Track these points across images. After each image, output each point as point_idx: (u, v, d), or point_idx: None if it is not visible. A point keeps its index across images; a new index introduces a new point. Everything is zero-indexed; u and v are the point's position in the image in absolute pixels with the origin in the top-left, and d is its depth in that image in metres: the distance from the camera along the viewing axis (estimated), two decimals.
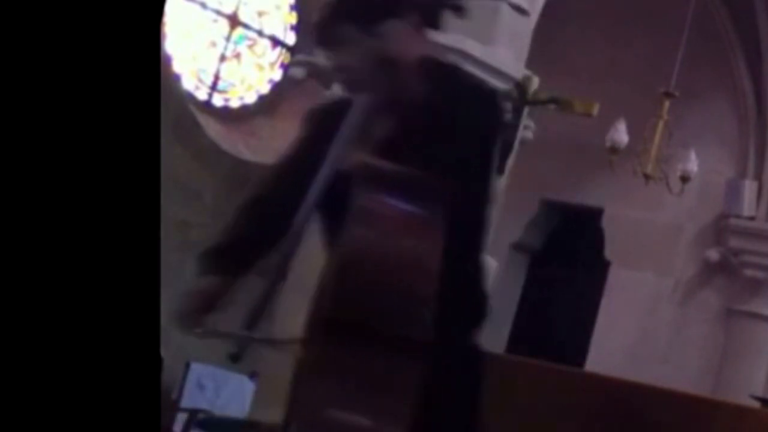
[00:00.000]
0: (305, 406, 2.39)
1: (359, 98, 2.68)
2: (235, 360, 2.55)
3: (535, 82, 7.68)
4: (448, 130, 2.63)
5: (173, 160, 9.24)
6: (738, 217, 10.43)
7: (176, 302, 2.89)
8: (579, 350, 10.59)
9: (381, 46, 2.66)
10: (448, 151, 2.61)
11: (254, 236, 2.91)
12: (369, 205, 2.49)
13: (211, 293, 2.85)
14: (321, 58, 7.34)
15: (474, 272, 2.80)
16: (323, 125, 2.81)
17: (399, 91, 2.69)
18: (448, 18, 2.83)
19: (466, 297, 2.74)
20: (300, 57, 7.94)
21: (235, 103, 11.16)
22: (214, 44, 11.00)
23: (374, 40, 2.69)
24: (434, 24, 2.79)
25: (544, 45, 8.46)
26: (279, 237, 2.78)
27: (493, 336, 10.72)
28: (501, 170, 7.68)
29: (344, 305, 2.38)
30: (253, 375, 8.58)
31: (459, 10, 2.79)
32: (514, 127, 7.61)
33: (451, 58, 7.12)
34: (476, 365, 2.79)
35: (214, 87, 11.02)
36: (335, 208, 2.52)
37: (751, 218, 10.44)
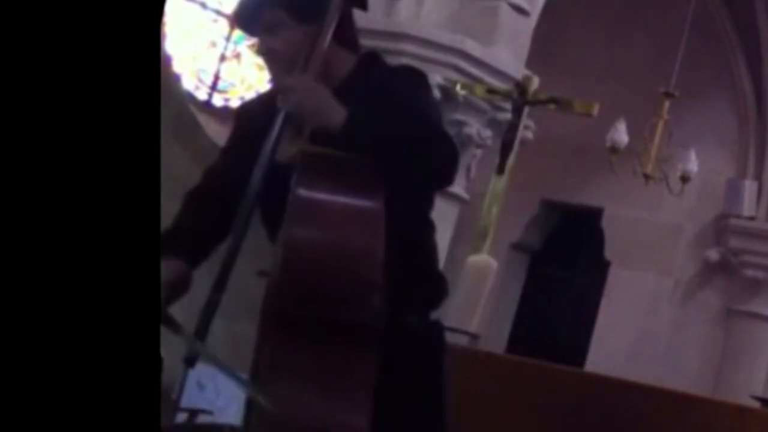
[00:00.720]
0: (262, 407, 2.36)
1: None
2: (190, 364, 2.56)
3: (535, 82, 7.68)
4: (381, 111, 2.56)
5: (173, 159, 9.24)
6: (738, 217, 10.43)
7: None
8: (579, 350, 10.59)
9: (291, 97, 2.57)
10: (382, 132, 2.54)
11: (203, 226, 2.88)
12: (309, 196, 2.43)
13: (173, 279, 2.77)
14: None
15: (424, 252, 2.78)
16: (253, 120, 2.79)
17: (329, 81, 2.65)
18: None
19: (418, 278, 2.72)
20: None
21: (235, 103, 11.16)
22: (214, 44, 10.99)
23: (304, 28, 2.65)
24: (362, 4, 2.75)
25: (544, 45, 8.47)
26: (225, 230, 2.77)
27: (493, 336, 10.74)
28: (501, 170, 7.69)
29: (291, 300, 2.34)
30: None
31: None
32: (514, 127, 7.62)
33: (451, 59, 7.15)
34: (435, 346, 2.76)
35: (214, 87, 11.02)
36: (276, 202, 2.48)
37: (751, 218, 10.44)
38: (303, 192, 2.43)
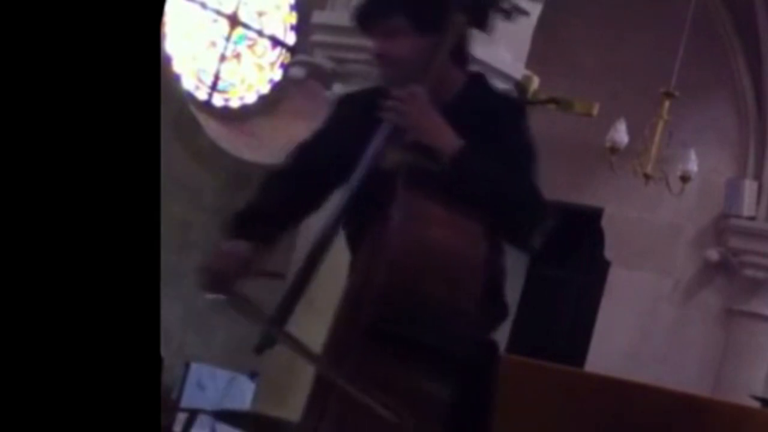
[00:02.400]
0: (333, 412, 2.37)
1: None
2: (259, 351, 2.53)
3: (535, 82, 7.67)
4: (487, 150, 2.60)
5: (173, 159, 9.24)
6: (738, 217, 10.42)
7: (205, 261, 2.76)
8: (579, 350, 10.59)
9: (411, 128, 2.60)
10: (484, 155, 2.59)
11: (280, 206, 2.86)
12: (419, 203, 2.44)
13: (242, 257, 2.73)
14: (321, 59, 7.34)
15: (498, 277, 2.80)
16: (355, 109, 2.81)
17: (437, 96, 2.65)
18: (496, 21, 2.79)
19: (489, 301, 2.72)
20: (300, 57, 7.93)
21: (235, 103, 11.16)
22: (214, 44, 11.00)
23: (423, 39, 2.65)
24: (482, 25, 2.74)
25: (544, 45, 8.46)
26: (304, 211, 2.82)
27: (493, 336, 10.71)
28: None
29: (386, 312, 2.35)
30: (253, 375, 8.58)
31: (509, 13, 2.75)
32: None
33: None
34: (492, 365, 2.80)
35: (214, 87, 11.02)
36: (364, 207, 2.51)
37: (751, 218, 10.43)
38: (411, 198, 2.43)
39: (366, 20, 2.79)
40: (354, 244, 2.68)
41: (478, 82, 2.82)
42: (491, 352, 2.80)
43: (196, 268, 2.77)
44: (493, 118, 2.71)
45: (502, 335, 11.07)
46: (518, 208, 2.64)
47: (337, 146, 2.74)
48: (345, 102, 3.00)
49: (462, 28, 2.69)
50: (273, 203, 2.85)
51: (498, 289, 2.80)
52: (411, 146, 2.61)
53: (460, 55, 2.75)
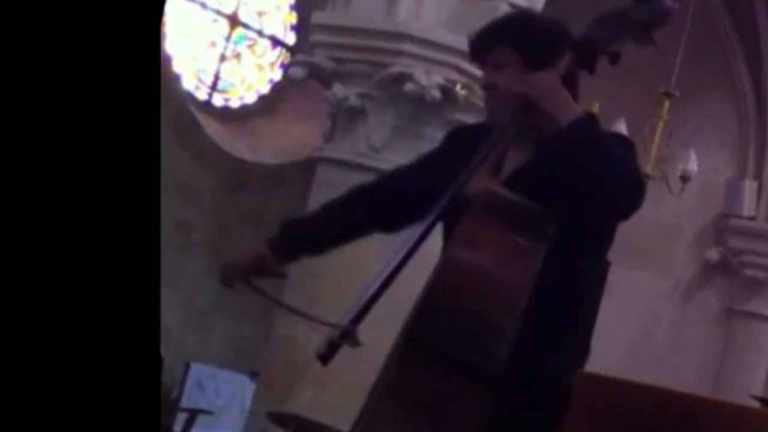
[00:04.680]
0: (367, 423, 2.38)
1: (499, 126, 2.67)
2: (324, 361, 2.51)
3: None
4: (585, 162, 2.59)
5: (173, 160, 9.24)
6: (738, 217, 10.42)
7: (232, 255, 2.94)
8: None
9: (530, 89, 2.63)
10: (575, 186, 2.59)
11: (337, 224, 2.93)
12: (474, 227, 2.47)
13: (267, 261, 2.87)
14: (321, 59, 7.34)
15: (583, 309, 2.82)
16: (460, 144, 2.82)
17: (538, 129, 2.66)
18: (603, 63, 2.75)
19: (560, 338, 2.74)
20: (300, 57, 7.93)
21: (235, 103, 11.17)
22: (214, 44, 11.00)
23: (527, 77, 2.67)
24: (590, 68, 2.75)
25: None
26: (377, 223, 2.89)
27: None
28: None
29: (422, 325, 2.37)
30: (253, 375, 8.58)
31: (616, 57, 2.77)
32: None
33: (451, 59, 7.14)
34: (562, 401, 2.77)
35: (214, 87, 11.03)
36: (449, 228, 2.55)
37: (751, 218, 10.44)
38: (469, 222, 2.47)
39: (478, 51, 2.84)
40: None
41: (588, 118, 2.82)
42: (563, 387, 2.77)
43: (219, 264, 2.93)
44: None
45: None
46: (625, 179, 2.62)
47: (432, 177, 2.75)
48: (454, 134, 3.02)
49: (570, 66, 2.71)
50: (325, 230, 2.94)
51: (584, 322, 2.81)
52: (501, 177, 2.65)
53: (570, 93, 2.74)
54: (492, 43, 2.80)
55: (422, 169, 2.93)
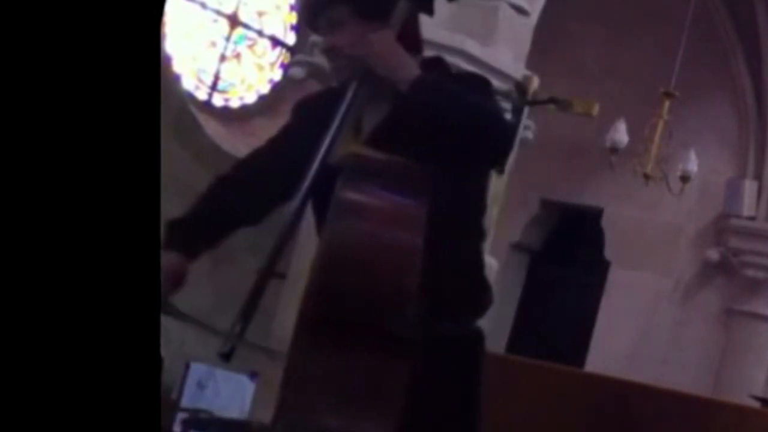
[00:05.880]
0: (290, 411, 2.34)
1: (349, 89, 2.62)
2: (225, 359, 2.52)
3: (535, 82, 7.67)
4: (438, 119, 2.56)
5: (173, 160, 9.24)
6: (738, 217, 10.42)
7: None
8: (579, 350, 10.59)
9: (367, 53, 2.59)
10: (438, 140, 2.55)
11: (218, 215, 2.84)
12: (352, 196, 2.41)
13: (173, 271, 2.71)
14: (321, 59, 7.34)
15: (466, 258, 2.74)
16: (310, 115, 2.78)
17: (386, 85, 2.62)
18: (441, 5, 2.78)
19: (459, 284, 2.69)
20: (300, 57, 7.93)
21: (235, 103, 11.16)
22: (214, 44, 10.99)
23: (369, 27, 2.63)
24: (426, 9, 2.72)
25: (544, 45, 8.46)
26: (245, 219, 2.80)
27: (494, 336, 10.72)
28: (501, 170, 7.68)
29: (325, 302, 2.30)
30: (253, 375, 8.58)
31: None
32: (513, 127, 7.60)
33: (451, 59, 7.14)
34: (472, 355, 2.73)
35: (214, 87, 11.02)
36: (322, 201, 2.47)
37: (751, 218, 10.44)
38: (346, 191, 2.40)
39: (312, 18, 2.78)
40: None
41: (435, 65, 2.79)
42: (469, 340, 2.72)
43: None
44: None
45: (501, 335, 11.08)
46: (486, 122, 2.56)
47: (289, 155, 2.71)
48: (300, 106, 2.96)
49: (407, 12, 2.67)
50: (214, 214, 2.84)
51: (472, 271, 2.75)
52: (362, 137, 2.61)
53: (412, 40, 2.71)
54: (325, 3, 2.73)
55: (276, 149, 2.86)
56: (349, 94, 2.62)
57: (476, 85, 2.75)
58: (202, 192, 2.89)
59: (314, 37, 7.45)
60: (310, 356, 2.33)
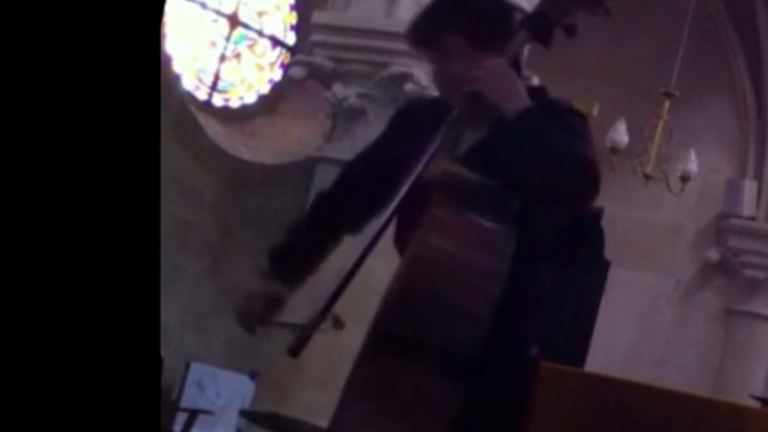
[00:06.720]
0: (345, 418, 2.38)
1: (455, 109, 2.64)
2: (294, 354, 2.53)
3: (535, 82, 7.67)
4: (533, 151, 2.58)
5: (173, 160, 9.24)
6: (738, 217, 10.42)
7: (241, 301, 2.88)
8: (579, 350, 10.59)
9: (480, 80, 2.60)
10: (530, 176, 2.58)
11: (319, 240, 2.90)
12: (446, 215, 2.45)
13: (273, 300, 2.84)
14: (321, 59, 7.34)
15: (539, 293, 2.82)
16: (410, 125, 2.80)
17: (492, 109, 2.64)
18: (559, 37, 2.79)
19: (528, 317, 2.74)
20: (300, 57, 7.94)
21: (235, 103, 11.16)
22: (214, 44, 10.99)
23: (481, 60, 2.64)
24: (546, 42, 2.73)
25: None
26: (346, 233, 2.85)
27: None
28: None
29: (394, 316, 2.36)
30: (253, 375, 8.58)
31: (572, 30, 2.77)
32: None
33: None
34: (526, 383, 2.79)
35: (214, 87, 11.02)
36: (407, 212, 2.51)
37: (751, 218, 10.43)
38: (440, 209, 2.44)
39: (420, 40, 2.79)
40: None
41: (538, 94, 2.80)
42: (526, 364, 2.77)
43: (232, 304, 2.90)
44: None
45: None
46: (575, 167, 2.61)
47: (386, 166, 2.72)
48: (402, 116, 2.96)
49: (525, 42, 2.71)
50: (315, 240, 2.90)
51: (539, 300, 2.80)
52: (459, 154, 2.61)
53: (516, 67, 2.73)
54: (437, 29, 2.73)
55: (378, 157, 2.88)
56: (454, 114, 2.64)
57: (575, 121, 2.81)
58: (305, 212, 2.99)
59: (314, 37, 7.46)
60: (371, 367, 2.36)
